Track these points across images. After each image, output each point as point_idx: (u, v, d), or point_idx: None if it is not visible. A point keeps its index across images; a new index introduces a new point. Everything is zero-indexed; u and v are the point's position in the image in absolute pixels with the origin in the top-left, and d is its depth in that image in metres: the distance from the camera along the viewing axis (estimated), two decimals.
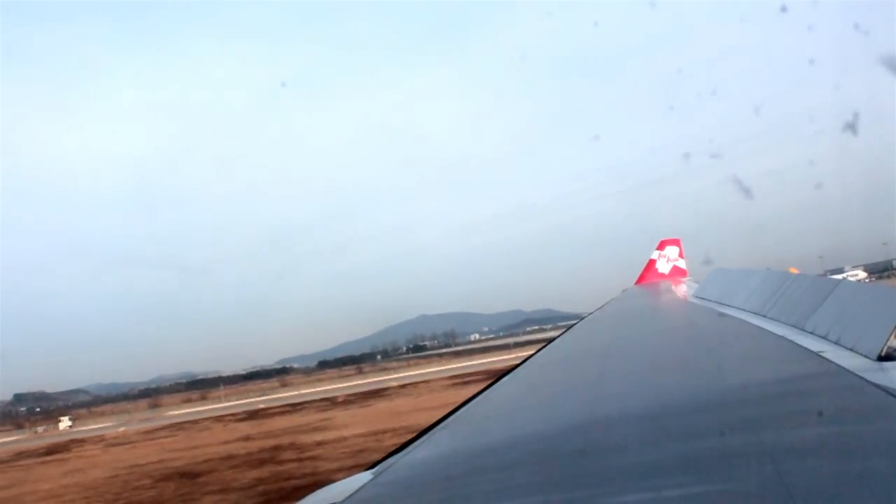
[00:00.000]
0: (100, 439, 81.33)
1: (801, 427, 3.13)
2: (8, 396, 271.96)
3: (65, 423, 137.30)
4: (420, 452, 4.34)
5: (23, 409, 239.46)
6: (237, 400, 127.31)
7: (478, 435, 4.77)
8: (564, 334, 12.13)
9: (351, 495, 3.54)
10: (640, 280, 25.37)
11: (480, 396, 6.31)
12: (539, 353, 9.53)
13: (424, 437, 4.74)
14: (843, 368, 3.99)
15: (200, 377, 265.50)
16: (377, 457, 4.63)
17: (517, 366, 8.50)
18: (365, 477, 3.89)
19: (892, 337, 4.15)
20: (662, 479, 2.72)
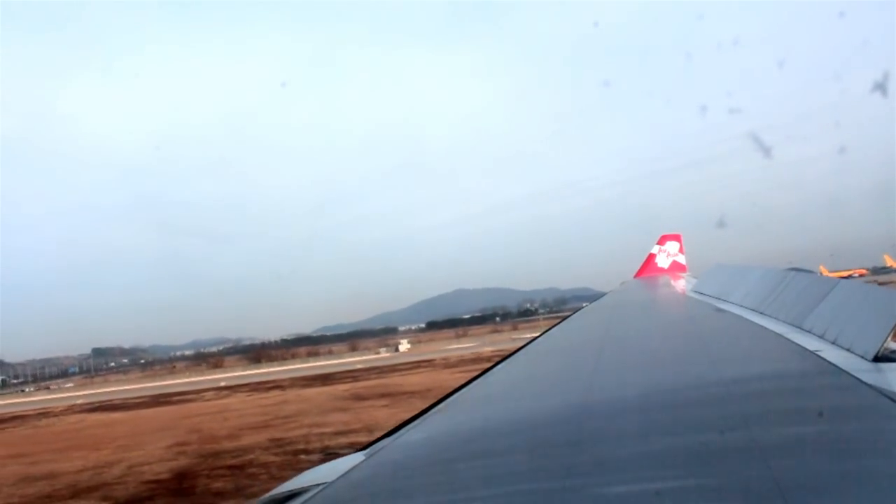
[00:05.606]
0: None
1: (794, 425, 3.13)
2: (86, 350, 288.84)
3: (404, 345, 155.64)
4: (413, 435, 4.35)
5: (110, 362, 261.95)
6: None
7: (471, 420, 4.77)
8: (560, 324, 12.15)
9: (342, 475, 3.55)
10: (639, 274, 25.39)
11: (475, 382, 6.32)
12: (534, 343, 9.54)
13: (418, 421, 4.75)
14: (839, 368, 3.99)
15: (247, 342, 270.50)
16: None
17: (512, 353, 8.51)
18: (357, 458, 3.90)
19: (889, 338, 4.15)
20: (654, 472, 2.72)
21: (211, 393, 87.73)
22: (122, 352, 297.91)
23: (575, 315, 14.20)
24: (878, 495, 2.20)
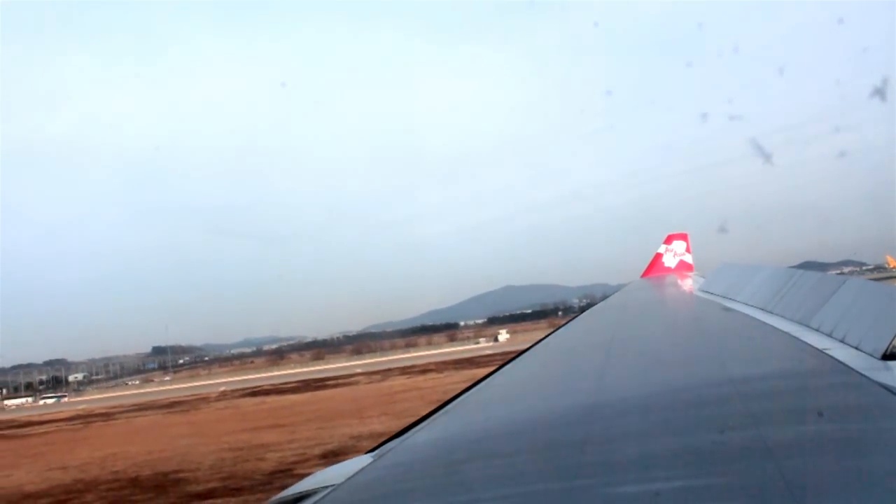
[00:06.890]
0: None
1: (803, 424, 3.12)
2: (144, 349, 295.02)
3: (503, 335, 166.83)
4: (421, 436, 4.36)
5: (178, 359, 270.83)
6: None
7: (479, 421, 4.78)
8: (568, 324, 12.12)
9: (351, 477, 3.56)
10: (646, 273, 25.30)
11: (483, 383, 6.32)
12: (542, 343, 9.54)
13: (426, 422, 4.76)
14: (847, 366, 3.98)
15: (314, 340, 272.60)
16: None
17: (520, 353, 8.50)
18: (365, 459, 3.91)
19: None
20: (663, 472, 2.72)
21: (360, 378, 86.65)
22: (182, 350, 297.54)
23: (583, 315, 14.17)
24: (887, 494, 2.19)
